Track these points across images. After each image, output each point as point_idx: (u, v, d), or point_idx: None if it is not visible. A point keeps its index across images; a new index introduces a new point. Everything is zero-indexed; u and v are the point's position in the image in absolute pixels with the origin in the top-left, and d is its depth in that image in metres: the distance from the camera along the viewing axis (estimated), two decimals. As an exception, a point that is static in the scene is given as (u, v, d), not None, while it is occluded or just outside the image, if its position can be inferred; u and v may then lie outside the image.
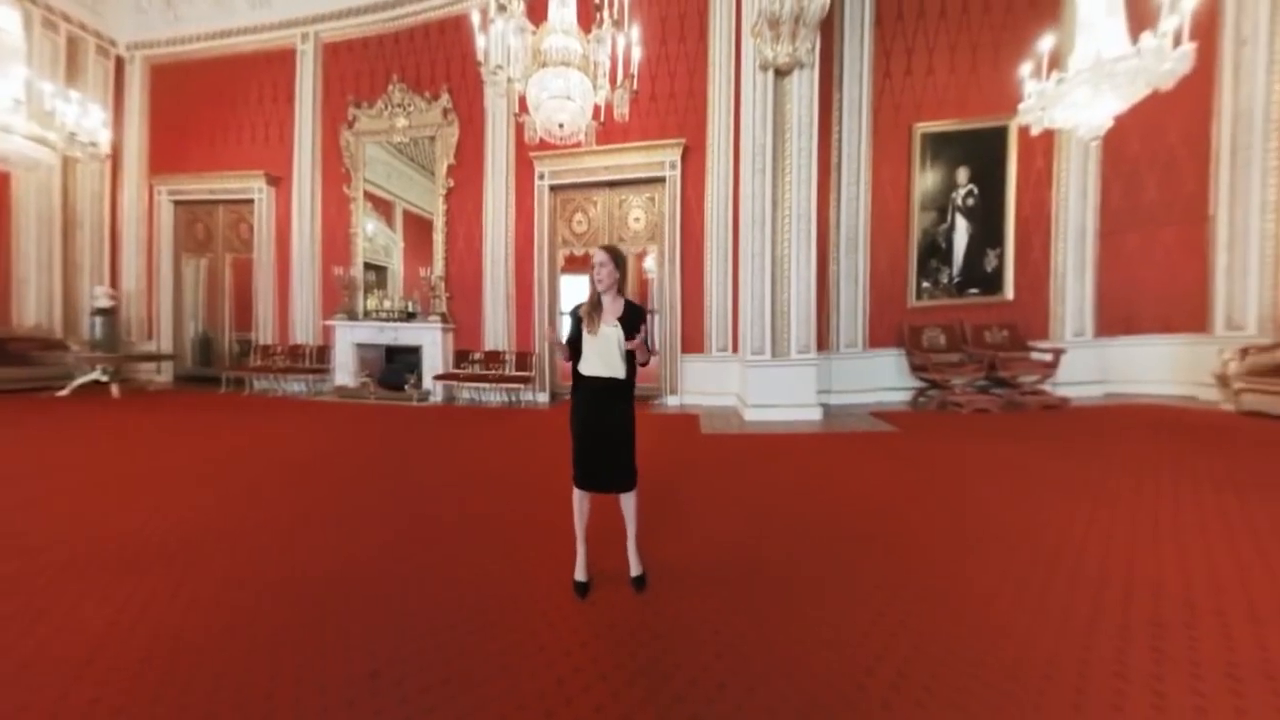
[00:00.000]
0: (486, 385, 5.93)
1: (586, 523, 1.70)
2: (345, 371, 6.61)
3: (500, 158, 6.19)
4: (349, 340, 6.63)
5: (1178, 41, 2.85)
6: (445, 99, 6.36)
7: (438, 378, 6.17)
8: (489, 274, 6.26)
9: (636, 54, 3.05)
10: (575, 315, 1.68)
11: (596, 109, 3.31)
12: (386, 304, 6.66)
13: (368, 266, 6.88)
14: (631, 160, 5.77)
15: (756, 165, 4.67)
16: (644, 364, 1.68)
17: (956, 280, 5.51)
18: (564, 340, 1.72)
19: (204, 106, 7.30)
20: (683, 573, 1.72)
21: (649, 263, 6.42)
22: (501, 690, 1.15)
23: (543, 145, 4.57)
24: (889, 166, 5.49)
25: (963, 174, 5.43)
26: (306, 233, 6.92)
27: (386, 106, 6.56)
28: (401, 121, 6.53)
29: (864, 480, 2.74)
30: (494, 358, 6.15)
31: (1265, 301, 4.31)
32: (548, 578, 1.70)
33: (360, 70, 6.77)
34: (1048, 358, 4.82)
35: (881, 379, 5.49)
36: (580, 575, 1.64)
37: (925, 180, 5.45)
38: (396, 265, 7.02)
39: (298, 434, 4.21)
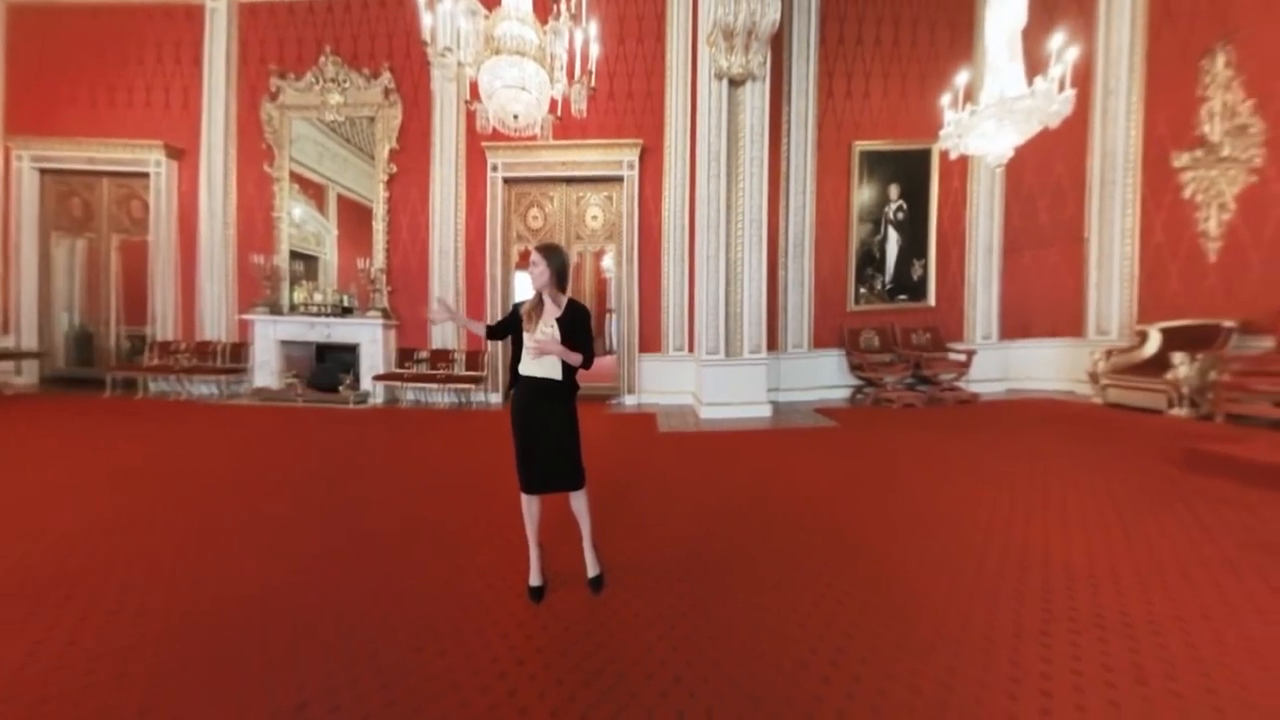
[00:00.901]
0: (434, 386, 5.60)
1: (538, 525, 1.66)
2: (267, 372, 5.94)
3: (449, 145, 5.86)
4: (272, 337, 5.96)
5: (1063, 87, 3.33)
6: (387, 78, 5.91)
7: (378, 378, 5.73)
8: (436, 267, 5.91)
9: (595, 50, 3.02)
10: (514, 309, 1.67)
11: (553, 103, 3.24)
12: (318, 297, 6.07)
13: (295, 255, 6.22)
14: (589, 157, 5.71)
15: (712, 171, 4.81)
16: (585, 367, 1.60)
17: (888, 287, 6.03)
18: (487, 321, 1.72)
19: (83, 60, 6.20)
20: (640, 570, 1.74)
21: (607, 261, 6.40)
22: (450, 708, 1.09)
23: (496, 136, 4.39)
24: (831, 180, 5.89)
25: (894, 190, 5.95)
26: (218, 214, 6.12)
27: (318, 80, 5.96)
28: (335, 98, 5.97)
29: (808, 473, 2.92)
30: (442, 356, 5.82)
31: (1124, 311, 5.15)
32: (500, 585, 1.64)
33: (285, 37, 6.10)
34: (962, 358, 5.43)
35: (824, 377, 5.89)
36: (535, 580, 1.60)
37: (863, 194, 5.91)
38: (330, 255, 6.41)
39: (210, 442, 3.72)
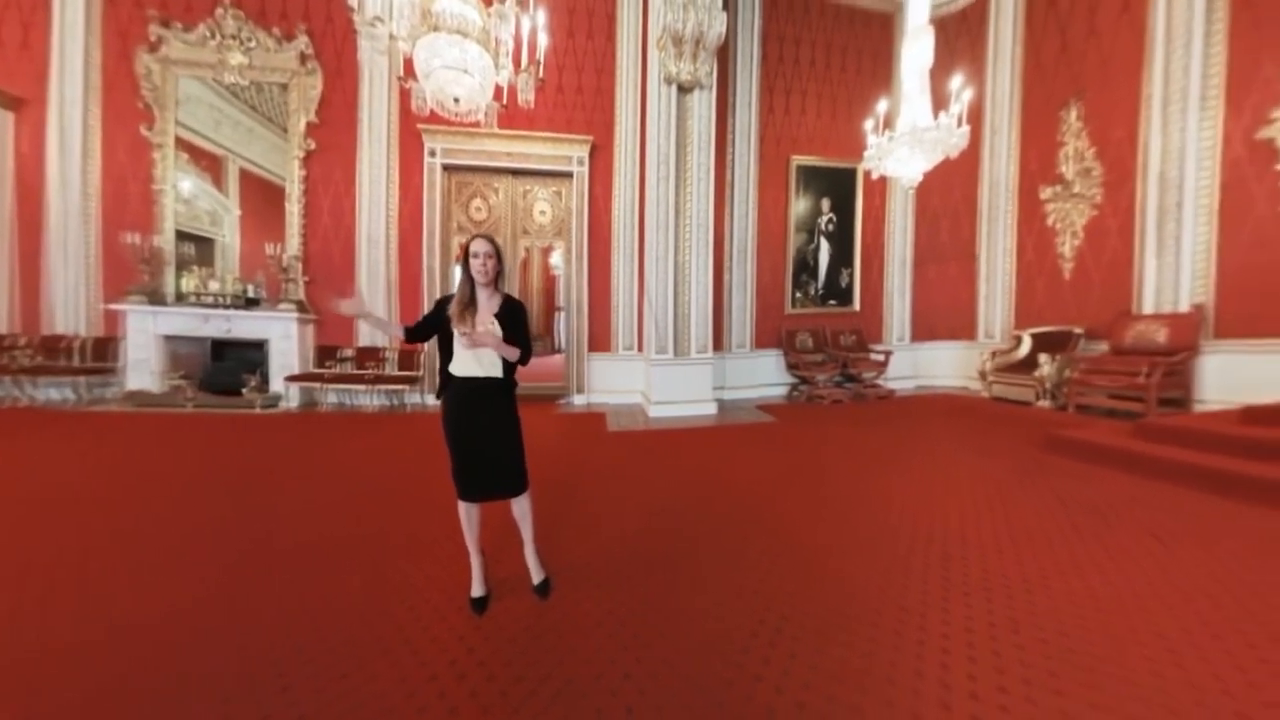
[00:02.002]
0: (360, 387, 5.11)
1: (479, 533, 1.58)
2: (145, 372, 5.05)
3: (380, 124, 5.37)
4: (152, 331, 5.07)
5: (960, 123, 3.83)
6: (304, 42, 5.27)
7: (292, 379, 5.11)
8: (364, 257, 5.40)
9: (543, 40, 2.93)
10: (439, 306, 1.52)
11: (498, 90, 3.09)
12: (214, 286, 5.27)
13: (183, 236, 5.34)
14: (537, 150, 5.54)
15: (661, 174, 4.89)
16: (523, 364, 1.56)
17: (821, 293, 6.54)
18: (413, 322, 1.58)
19: None
20: (588, 571, 1.73)
21: (556, 258, 6.26)
22: (382, 737, 1.00)
23: (434, 118, 4.11)
24: (772, 190, 6.25)
25: (826, 204, 6.47)
26: (74, 182, 5.08)
27: (214, 35, 5.16)
28: (238, 58, 5.21)
29: (749, 467, 3.08)
30: (370, 355, 5.33)
31: (1005, 318, 6.06)
32: (439, 598, 1.54)
33: (170, -21, 5.20)
34: (881, 358, 6.05)
35: (765, 376, 6.25)
36: (477, 590, 1.53)
37: (799, 206, 6.36)
38: (230, 238, 5.58)
39: (72, 456, 3.07)
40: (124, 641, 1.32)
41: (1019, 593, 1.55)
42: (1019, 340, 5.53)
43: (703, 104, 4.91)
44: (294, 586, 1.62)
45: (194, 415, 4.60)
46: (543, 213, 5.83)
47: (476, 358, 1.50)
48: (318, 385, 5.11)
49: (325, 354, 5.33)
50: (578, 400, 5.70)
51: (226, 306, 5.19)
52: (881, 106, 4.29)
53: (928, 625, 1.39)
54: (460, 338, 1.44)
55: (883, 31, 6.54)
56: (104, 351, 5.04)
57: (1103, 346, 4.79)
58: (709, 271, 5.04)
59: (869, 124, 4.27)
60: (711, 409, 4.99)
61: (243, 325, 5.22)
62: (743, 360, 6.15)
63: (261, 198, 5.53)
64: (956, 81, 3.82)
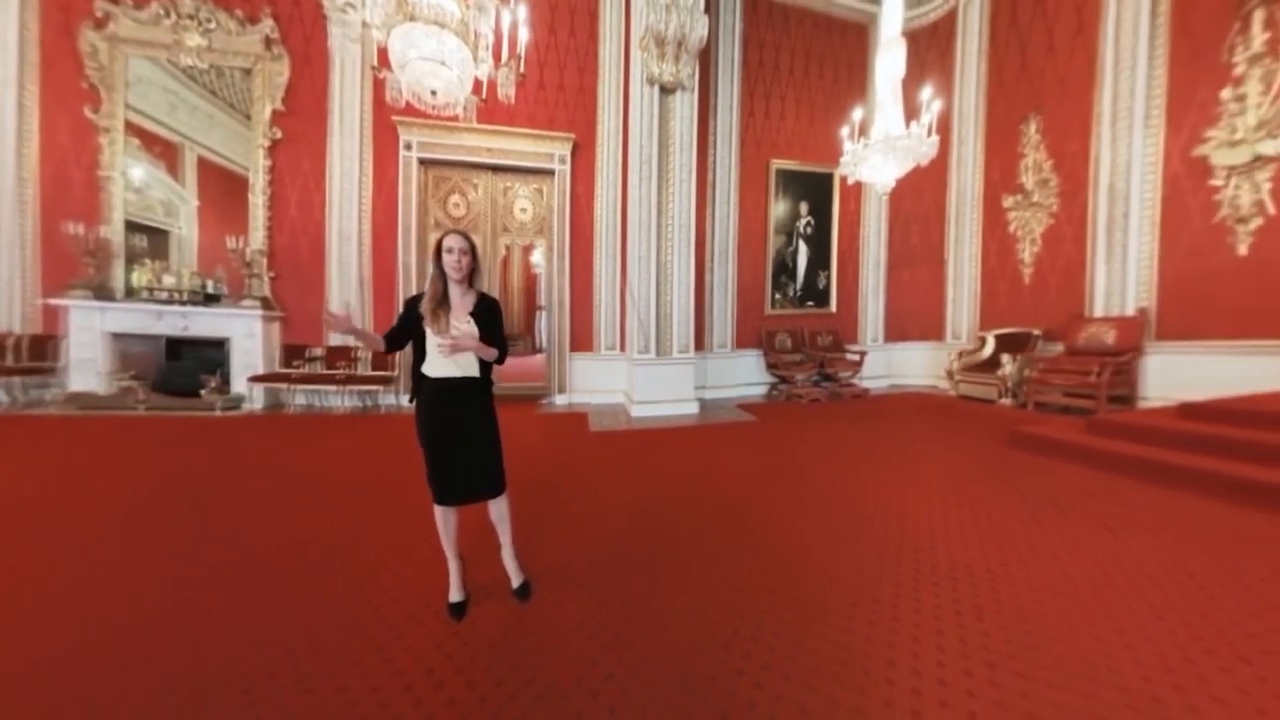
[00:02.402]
0: (331, 388, 4.91)
1: (456, 537, 1.55)
2: (90, 372, 4.71)
3: (352, 114, 5.17)
4: (99, 328, 4.73)
5: (930, 133, 3.99)
6: (269, 25, 5.02)
7: (256, 379, 4.86)
8: (335, 252, 5.19)
9: (524, 35, 2.89)
10: (410, 304, 1.47)
11: (478, 83, 3.03)
12: (168, 280, 4.96)
13: (135, 227, 5.00)
14: (518, 147, 5.46)
15: (643, 174, 4.90)
16: (499, 363, 1.56)
17: (799, 294, 6.70)
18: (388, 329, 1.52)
19: None
20: (571, 572, 1.71)
21: (537, 257, 6.18)
22: (353, 751, 0.97)
23: (410, 110, 3.98)
24: (752, 193, 6.36)
25: (804, 207, 6.62)
26: (8, 167, 4.69)
27: (169, 13, 4.85)
28: (195, 39, 4.92)
29: (731, 465, 3.13)
30: (341, 354, 5.13)
31: (970, 320, 6.36)
32: (415, 605, 1.50)
33: (119, -49, 4.86)
34: (857, 358, 6.24)
35: (745, 375, 6.35)
36: (455, 595, 1.49)
37: (779, 209, 6.48)
38: (188, 230, 5.27)
39: (9, 461, 2.83)
40: (69, 664, 1.22)
41: (983, 581, 1.63)
42: (983, 341, 5.80)
43: (685, 106, 4.95)
44: (259, 597, 1.54)
45: (147, 418, 4.32)
46: (524, 210, 5.75)
47: (454, 358, 1.47)
48: (284, 386, 4.88)
49: (292, 353, 5.09)
50: (559, 400, 5.64)
51: (183, 302, 4.89)
52: (857, 114, 4.42)
53: (900, 615, 1.44)
54: (439, 348, 1.40)
55: (858, 42, 6.75)
56: (42, 350, 4.67)
57: (1059, 347, 5.08)
58: (691, 272, 5.08)
59: (845, 131, 4.40)
60: (693, 408, 5.04)
61: (201, 323, 4.94)
62: (724, 360, 6.23)
63: (222, 188, 5.24)
64: (926, 92, 3.98)
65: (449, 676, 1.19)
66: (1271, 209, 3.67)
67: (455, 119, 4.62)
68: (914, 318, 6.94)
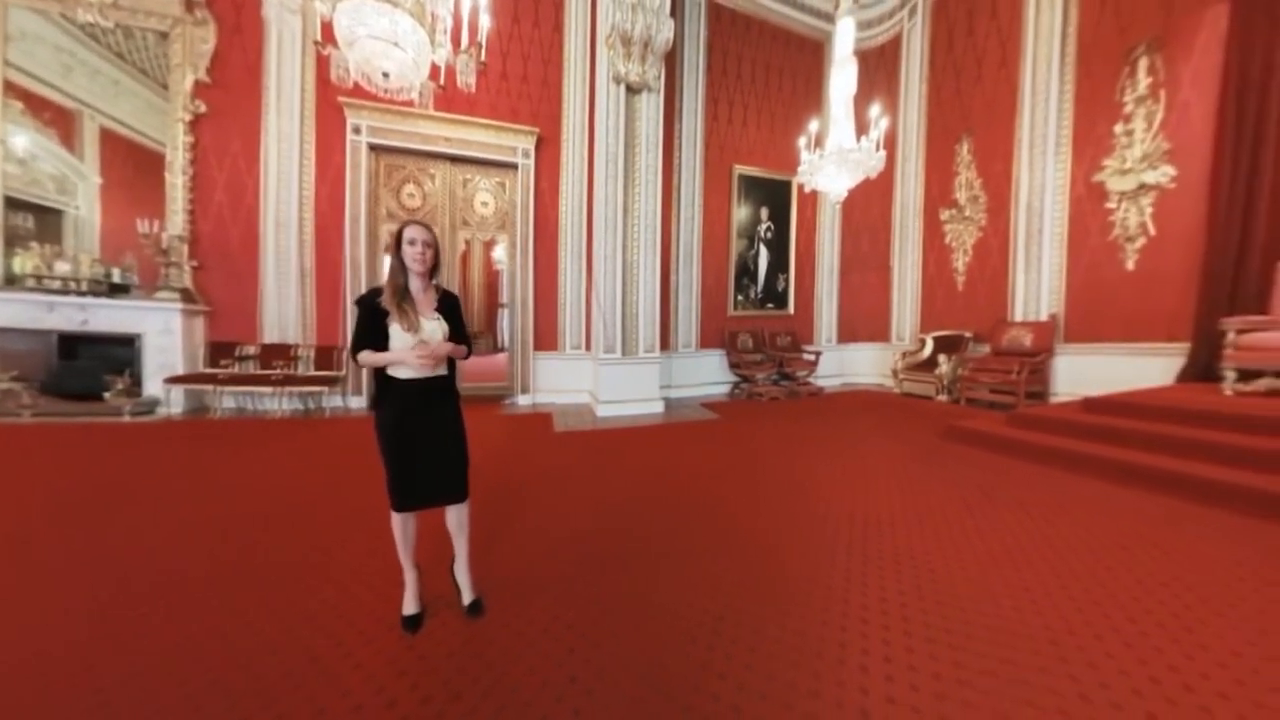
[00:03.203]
0: (266, 389, 4.50)
1: (414, 546, 1.47)
2: (-43, 373, 4.01)
3: (292, 91, 4.76)
4: (-33, 321, 4.05)
5: (879, 148, 4.28)
6: (190, -14, 4.51)
7: (175, 380, 4.36)
8: (270, 242, 4.75)
9: (485, 21, 2.78)
10: (371, 305, 1.37)
11: (435, 69, 2.89)
12: (62, 268, 4.33)
13: (18, 205, 4.33)
14: (479, 137, 5.26)
15: (609, 172, 4.88)
16: (465, 359, 1.54)
17: (759, 296, 6.95)
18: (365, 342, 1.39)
19: None
20: (536, 577, 1.67)
21: (499, 252, 5.98)
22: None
23: (360, 92, 3.76)
24: (716, 197, 6.51)
25: (765, 212, 6.88)
26: None
27: (62, -40, 4.23)
28: (97, -7, 4.32)
29: (695, 462, 3.19)
30: (279, 353, 4.71)
31: (912, 323, 6.88)
32: (364, 620, 1.41)
33: (-4, -118, 4.17)
34: (812, 358, 6.57)
35: (709, 374, 6.50)
36: (411, 608, 1.42)
37: (741, 213, 6.69)
38: (88, 211, 4.62)
39: None
40: (-76, 716, 1.04)
41: (922, 564, 1.77)
42: (923, 343, 6.30)
43: (651, 107, 4.98)
44: (181, 624, 1.38)
45: (34, 426, 3.75)
46: (485, 204, 5.55)
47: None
48: (210, 388, 4.41)
49: (220, 351, 4.61)
50: (522, 400, 5.50)
51: (81, 293, 4.29)
52: (813, 126, 4.65)
53: (850, 599, 1.53)
54: (419, 360, 1.33)
55: (814, 57, 7.09)
56: (-110, 347, 3.92)
57: (987, 348, 5.62)
58: (656, 272, 5.12)
59: (802, 141, 4.61)
60: (659, 407, 5.09)
61: (105, 316, 4.35)
62: (689, 360, 6.34)
63: (132, 165, 4.65)
64: (875, 110, 4.25)
65: (403, 693, 1.13)
66: (1153, 230, 4.25)
67: (410, 104, 4.39)
68: (863, 320, 7.41)
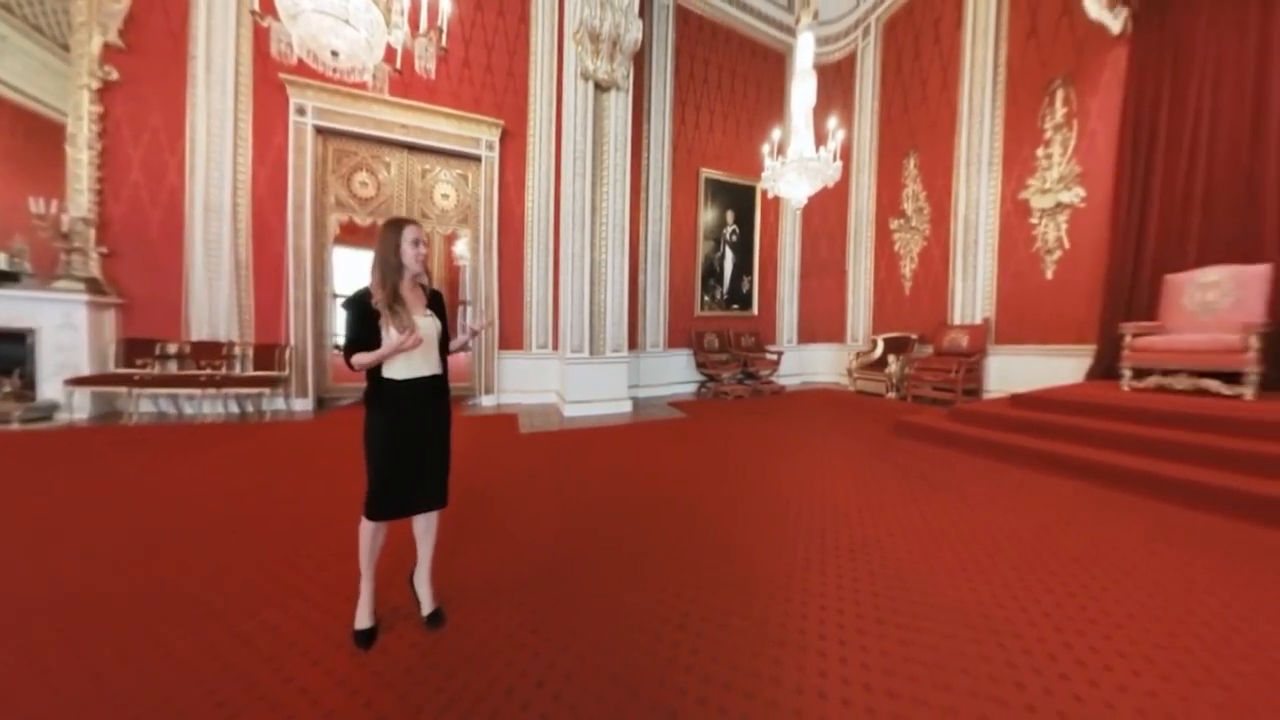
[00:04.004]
0: (194, 392, 4.08)
1: (379, 556, 1.40)
2: None
3: (224, 63, 4.33)
4: None
5: (836, 158, 4.51)
6: (98, -64, 3.99)
7: (79, 382, 3.86)
8: (198, 228, 4.31)
9: (445, 5, 2.66)
10: (364, 307, 1.31)
11: (391, 52, 2.73)
12: (-70, 251, 3.70)
13: None
14: (440, 127, 5.03)
15: (577, 169, 4.82)
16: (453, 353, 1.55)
17: (725, 297, 7.12)
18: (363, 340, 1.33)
19: None
20: (500, 582, 1.63)
21: (461, 247, 5.75)
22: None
23: (304, 69, 3.50)
24: (683, 198, 6.61)
25: (730, 216, 7.06)
26: None
27: (-72, -110, 3.61)
28: (-24, -67, 3.72)
29: (663, 461, 3.22)
30: (210, 351, 4.29)
31: (865, 325, 7.33)
32: (311, 640, 1.31)
33: None
34: (775, 358, 6.82)
35: (677, 374, 6.59)
36: (365, 622, 1.34)
37: (707, 215, 6.82)
38: (-39, 185, 3.98)
39: None
40: None
41: (874, 551, 1.89)
42: (875, 344, 6.71)
43: (619, 106, 4.97)
44: (84, 656, 1.22)
45: (-110, 437, 3.18)
46: (445, 196, 5.32)
47: (424, 355, 1.37)
48: (124, 390, 3.93)
49: (137, 349, 4.12)
50: (486, 401, 5.33)
51: (-44, 281, 3.69)
52: (776, 134, 4.83)
53: (809, 587, 1.61)
54: (412, 343, 1.28)
55: (777, 68, 7.36)
56: None
57: (930, 349, 6.08)
58: (625, 271, 5.12)
59: (766, 148, 4.78)
60: (627, 407, 5.09)
61: (-12, 308, 3.77)
62: (656, 359, 6.39)
63: (22, 135, 4.06)
64: (832, 122, 4.48)
65: (354, 713, 1.06)
66: (1068, 244, 4.77)
67: (363, 86, 4.13)
68: (821, 322, 7.79)
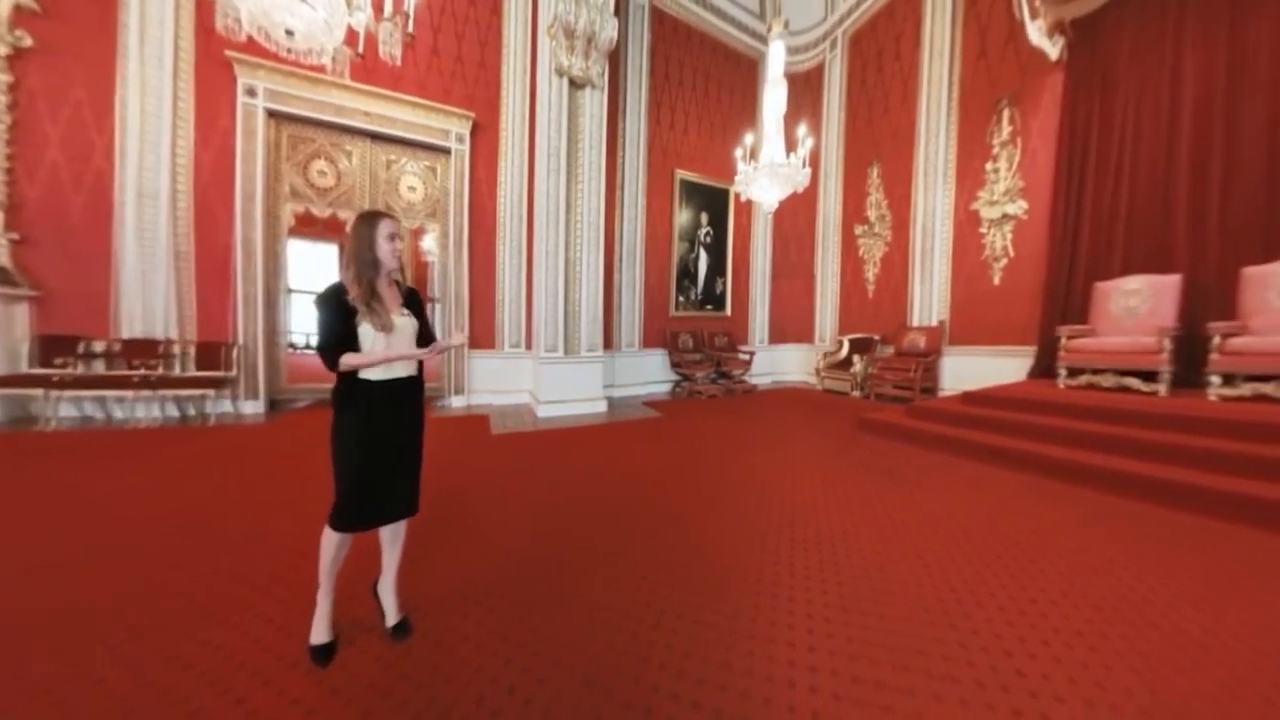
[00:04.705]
0: (126, 393, 3.73)
1: (342, 567, 1.33)
2: None
3: (161, 36, 3.98)
4: None
5: (805, 165, 4.66)
6: (8, -116, 3.56)
7: (-15, 384, 3.44)
8: (130, 215, 3.94)
9: (413, -9, 2.56)
10: (341, 304, 1.24)
11: (353, 35, 2.60)
12: None
13: None
14: (406, 116, 4.82)
15: (551, 166, 4.75)
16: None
17: (699, 298, 7.22)
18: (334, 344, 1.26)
19: None
20: (470, 590, 1.58)
21: (429, 243, 5.54)
22: None
23: (254, 48, 3.29)
24: (658, 199, 6.64)
25: (705, 217, 7.16)
26: None
27: None
28: None
29: (638, 460, 3.23)
30: (145, 350, 3.93)
31: (832, 326, 7.62)
32: (262, 659, 1.23)
33: None
34: (747, 357, 6.98)
35: (652, 374, 6.62)
36: (322, 636, 1.26)
37: (682, 217, 6.89)
38: None
39: None
40: None
41: (839, 542, 1.97)
42: (841, 344, 6.99)
43: (594, 103, 4.93)
44: (10, 683, 1.09)
45: None
46: (412, 189, 5.11)
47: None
48: (40, 392, 3.54)
49: (56, 347, 3.72)
50: (456, 402, 5.17)
51: None
52: (749, 139, 4.94)
53: (779, 580, 1.66)
54: (432, 356, 1.30)
55: (750, 74, 7.53)
56: None
57: (891, 349, 6.40)
58: (600, 270, 5.10)
59: (739, 152, 4.88)
60: (602, 407, 5.07)
61: None
62: (632, 359, 6.40)
63: (-88, 103, 3.56)
64: (802, 130, 4.63)
65: (314, 734, 1.01)
66: (1013, 252, 5.14)
67: (321, 69, 3.92)
68: (791, 322, 8.04)
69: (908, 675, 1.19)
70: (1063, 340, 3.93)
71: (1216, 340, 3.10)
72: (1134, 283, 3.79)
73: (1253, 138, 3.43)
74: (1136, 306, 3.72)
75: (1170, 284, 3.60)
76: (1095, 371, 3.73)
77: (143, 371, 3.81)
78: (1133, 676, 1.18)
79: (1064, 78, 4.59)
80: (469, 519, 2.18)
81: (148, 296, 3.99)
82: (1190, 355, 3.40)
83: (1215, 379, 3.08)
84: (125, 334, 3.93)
